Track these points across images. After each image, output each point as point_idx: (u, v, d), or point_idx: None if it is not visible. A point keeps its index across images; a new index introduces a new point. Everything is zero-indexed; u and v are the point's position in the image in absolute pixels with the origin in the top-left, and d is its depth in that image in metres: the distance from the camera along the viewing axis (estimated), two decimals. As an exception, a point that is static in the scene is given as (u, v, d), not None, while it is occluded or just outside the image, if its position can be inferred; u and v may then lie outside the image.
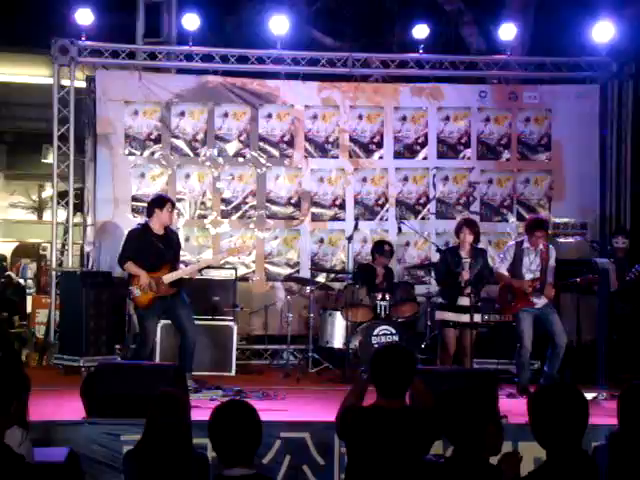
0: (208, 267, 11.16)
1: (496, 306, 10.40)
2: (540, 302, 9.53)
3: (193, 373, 9.56)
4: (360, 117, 12.64)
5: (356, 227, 11.42)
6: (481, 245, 12.31)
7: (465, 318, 9.74)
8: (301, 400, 9.05)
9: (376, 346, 9.97)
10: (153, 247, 9.41)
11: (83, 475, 6.88)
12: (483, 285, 10.16)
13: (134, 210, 12.11)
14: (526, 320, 9.47)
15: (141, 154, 12.29)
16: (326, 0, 16.92)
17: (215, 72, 12.52)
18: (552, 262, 9.67)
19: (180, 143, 12.36)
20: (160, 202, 9.60)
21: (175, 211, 9.81)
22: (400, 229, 11.97)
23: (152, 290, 9.28)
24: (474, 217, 12.44)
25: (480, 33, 15.45)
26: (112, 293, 11.06)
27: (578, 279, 9.76)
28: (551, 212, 12.62)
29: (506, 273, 9.70)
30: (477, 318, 9.81)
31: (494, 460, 4.13)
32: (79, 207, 12.63)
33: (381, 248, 11.36)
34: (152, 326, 9.51)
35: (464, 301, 9.73)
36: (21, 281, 15.49)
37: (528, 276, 9.55)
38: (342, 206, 12.55)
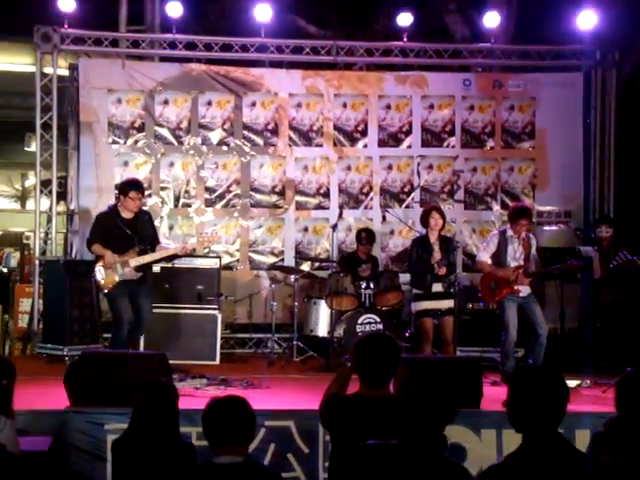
0: (190, 255, 11.14)
1: (479, 295, 10.46)
2: (524, 290, 9.57)
3: (177, 362, 9.55)
4: (344, 105, 12.63)
5: (340, 215, 11.42)
6: (465, 233, 12.43)
7: (442, 305, 9.85)
8: (285, 388, 9.05)
9: (360, 335, 9.96)
10: (119, 231, 9.46)
11: (67, 464, 6.88)
12: (453, 271, 10.23)
13: (118, 199, 12.05)
14: (511, 309, 9.49)
15: (125, 142, 12.26)
16: (310, -13, 16.87)
17: (199, 60, 12.50)
18: (533, 250, 9.73)
19: (164, 131, 12.33)
20: (123, 189, 9.66)
21: (139, 197, 9.64)
22: (384, 217, 11.98)
23: (117, 273, 9.31)
24: (458, 205, 12.54)
25: (464, 21, 15.45)
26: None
27: (560, 265, 9.77)
28: (535, 200, 12.66)
29: (489, 261, 9.74)
30: (452, 304, 9.92)
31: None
32: (62, 196, 12.57)
33: (358, 236, 11.44)
34: (124, 306, 9.42)
35: (438, 287, 9.90)
36: (4, 270, 15.41)
37: (513, 264, 9.59)
38: (326, 194, 12.54)
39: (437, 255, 9.97)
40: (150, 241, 9.69)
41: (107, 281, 9.39)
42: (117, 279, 9.36)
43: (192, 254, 11.44)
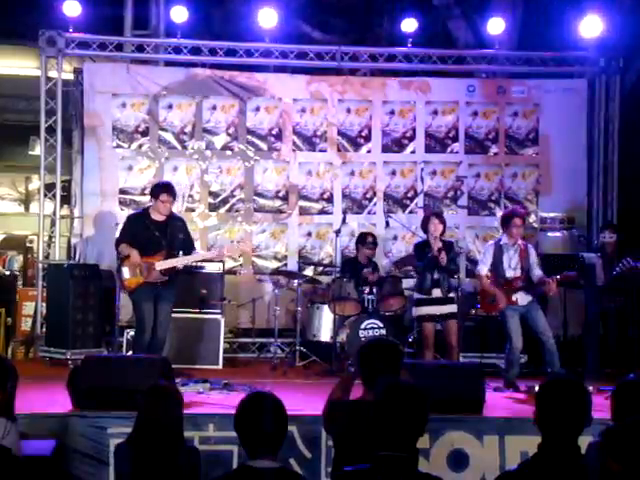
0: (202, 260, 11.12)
1: (477, 306, 10.47)
2: (524, 300, 9.53)
3: (180, 366, 9.56)
4: (348, 111, 12.63)
5: (344, 221, 11.40)
6: (468, 239, 12.44)
7: (443, 310, 9.83)
8: (288, 393, 9.01)
9: (363, 340, 9.97)
10: (147, 233, 9.40)
11: (69, 468, 6.89)
12: (455, 274, 10.21)
13: (121, 203, 12.11)
14: (513, 318, 9.43)
15: (129, 147, 12.27)
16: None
17: (203, 65, 12.52)
18: (533, 259, 9.67)
19: (168, 136, 12.34)
20: (154, 192, 9.63)
21: (170, 200, 9.58)
22: (388, 223, 11.97)
23: (142, 274, 9.27)
24: (462, 211, 12.55)
25: (468, 27, 15.44)
26: (99, 286, 11.04)
27: (558, 276, 9.70)
28: (538, 206, 12.66)
29: (487, 274, 9.69)
30: (452, 309, 9.89)
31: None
32: (66, 199, 12.59)
33: (364, 239, 11.38)
34: (147, 311, 9.38)
35: (438, 293, 9.89)
36: (7, 273, 15.40)
37: (510, 273, 9.55)
38: (330, 200, 12.54)
39: (436, 244, 9.88)
40: (179, 246, 9.59)
41: (131, 281, 9.34)
42: (141, 280, 9.32)
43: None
